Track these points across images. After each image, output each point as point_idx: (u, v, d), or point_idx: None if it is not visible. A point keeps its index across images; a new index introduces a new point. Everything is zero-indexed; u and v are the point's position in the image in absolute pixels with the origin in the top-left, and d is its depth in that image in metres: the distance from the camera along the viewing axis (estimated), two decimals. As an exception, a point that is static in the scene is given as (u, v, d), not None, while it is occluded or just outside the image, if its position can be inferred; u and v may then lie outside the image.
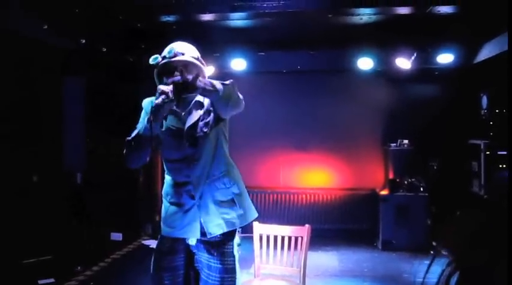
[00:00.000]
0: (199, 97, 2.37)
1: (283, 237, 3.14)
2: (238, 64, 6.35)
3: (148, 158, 2.28)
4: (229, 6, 4.66)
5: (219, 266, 2.31)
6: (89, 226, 5.06)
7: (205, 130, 2.32)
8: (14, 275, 4.12)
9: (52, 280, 4.32)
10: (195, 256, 2.37)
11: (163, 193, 2.45)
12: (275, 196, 6.83)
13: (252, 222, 3.23)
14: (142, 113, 2.39)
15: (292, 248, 3.11)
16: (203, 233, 2.30)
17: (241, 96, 2.33)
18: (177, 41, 2.40)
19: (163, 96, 2.13)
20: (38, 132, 4.63)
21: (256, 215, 2.51)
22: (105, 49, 5.16)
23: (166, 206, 2.42)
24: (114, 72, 5.52)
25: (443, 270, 0.54)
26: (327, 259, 5.58)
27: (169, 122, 2.33)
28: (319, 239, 5.63)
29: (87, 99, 4.95)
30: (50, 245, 4.57)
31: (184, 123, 2.33)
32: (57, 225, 4.71)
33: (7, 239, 4.07)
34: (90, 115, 5.00)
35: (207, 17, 4.83)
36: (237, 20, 5.12)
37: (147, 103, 2.39)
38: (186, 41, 2.42)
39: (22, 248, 4.29)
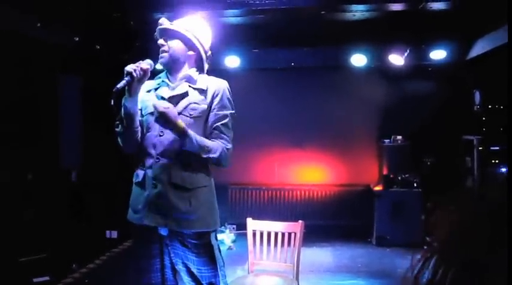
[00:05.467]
0: (190, 71, 2.32)
1: (276, 234, 3.15)
2: (232, 61, 6.36)
3: (139, 137, 2.26)
4: (223, 3, 4.66)
5: (196, 258, 2.22)
6: (85, 223, 5.07)
7: (191, 113, 2.25)
8: (9, 273, 4.12)
9: (47, 278, 4.32)
10: (169, 247, 2.27)
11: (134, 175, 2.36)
12: (270, 192, 6.85)
13: (245, 218, 3.27)
14: None
15: (286, 244, 3.13)
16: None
17: (227, 160, 2.28)
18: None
19: (127, 78, 2.11)
20: (34, 131, 4.63)
21: (210, 228, 2.28)
22: (99, 47, 5.15)
23: (133, 189, 2.34)
24: (110, 71, 5.51)
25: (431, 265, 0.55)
26: (321, 255, 5.60)
27: (158, 90, 2.32)
28: (314, 235, 5.66)
29: (84, 98, 4.94)
30: (46, 243, 4.57)
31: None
32: (52, 223, 4.71)
33: (2, 237, 4.07)
34: (87, 114, 5.00)
35: (201, 13, 4.82)
36: (231, 17, 5.13)
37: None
38: (179, 39, 2.34)
39: (17, 246, 4.29)
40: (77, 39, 4.78)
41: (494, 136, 5.55)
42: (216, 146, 2.25)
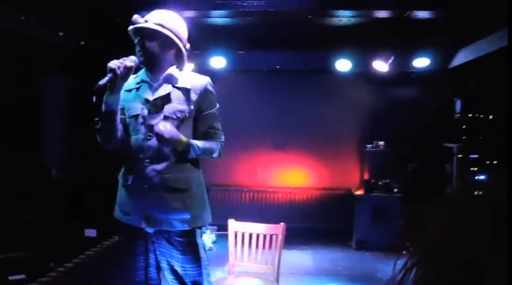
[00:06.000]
0: (171, 70, 2.27)
1: (258, 235, 3.16)
2: (218, 62, 6.35)
3: (119, 135, 2.24)
4: (211, 4, 4.66)
5: (181, 256, 2.22)
6: (64, 222, 5.00)
7: (178, 115, 2.23)
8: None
9: (23, 276, 4.25)
10: (155, 245, 2.27)
11: (120, 175, 2.35)
12: (252, 194, 6.85)
13: (227, 219, 3.27)
14: None
15: (267, 246, 3.14)
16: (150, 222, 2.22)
17: (216, 153, 2.32)
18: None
19: (110, 75, 2.07)
20: (16, 128, 4.54)
21: (205, 223, 2.36)
22: (83, 43, 5.09)
23: (120, 189, 2.33)
24: (95, 68, 5.45)
25: (404, 268, 0.55)
26: (301, 258, 5.63)
27: (140, 91, 2.27)
28: (295, 238, 5.67)
29: (68, 98, 4.88)
30: (22, 241, 4.49)
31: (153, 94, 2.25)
32: (30, 221, 4.64)
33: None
34: (70, 114, 4.94)
35: (188, 13, 4.81)
36: (218, 17, 5.13)
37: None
38: (156, 36, 2.26)
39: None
40: (61, 33, 4.72)
41: (473, 144, 5.65)
42: (215, 146, 2.31)
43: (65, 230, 4.95)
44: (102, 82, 2.05)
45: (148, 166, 2.20)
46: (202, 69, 6.23)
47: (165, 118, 2.20)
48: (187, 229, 2.23)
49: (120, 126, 2.24)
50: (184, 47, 2.30)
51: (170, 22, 2.26)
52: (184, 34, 2.32)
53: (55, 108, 4.85)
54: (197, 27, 5.75)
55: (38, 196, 4.88)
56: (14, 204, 4.46)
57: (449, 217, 0.54)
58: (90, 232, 5.59)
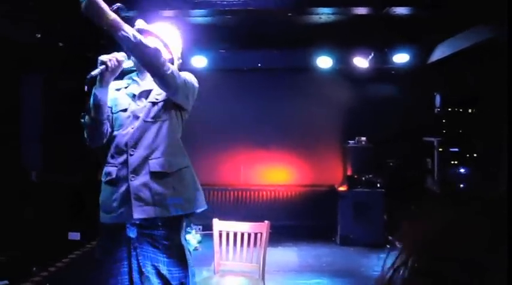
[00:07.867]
0: None
1: (242, 234, 3.16)
2: (199, 61, 6.33)
3: (106, 130, 2.26)
4: (190, 3, 4.63)
5: (167, 259, 2.22)
6: (45, 225, 4.93)
7: (157, 97, 2.29)
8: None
9: (6, 282, 4.18)
10: (138, 250, 2.25)
11: (102, 174, 2.34)
12: (236, 193, 6.85)
13: (211, 219, 3.26)
14: None
15: (252, 244, 3.14)
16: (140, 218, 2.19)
17: (168, 70, 2.13)
18: None
19: (101, 67, 2.12)
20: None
21: (199, 207, 2.35)
22: (62, 45, 5.02)
23: (102, 189, 2.31)
24: (72, 69, 5.38)
25: (394, 264, 0.54)
26: (286, 255, 5.65)
27: (128, 89, 2.35)
28: (279, 235, 5.69)
29: (45, 97, 4.82)
30: (4, 245, 4.42)
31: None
32: (11, 225, 4.56)
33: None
34: (48, 114, 4.87)
35: (168, 13, 4.78)
36: (198, 16, 5.11)
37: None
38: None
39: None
40: (39, 35, 4.65)
41: (453, 138, 5.74)
42: (164, 57, 2.16)
43: (48, 233, 4.89)
44: (94, 73, 2.10)
45: (133, 154, 2.23)
46: (183, 69, 6.19)
47: (150, 103, 2.29)
48: (181, 213, 2.24)
49: (107, 122, 2.28)
50: (178, 59, 2.44)
51: (169, 34, 2.39)
52: (179, 48, 2.45)
53: (35, 108, 4.78)
54: (177, 26, 5.73)
55: (20, 199, 4.81)
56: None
57: (443, 214, 0.53)
58: (74, 235, 5.53)
